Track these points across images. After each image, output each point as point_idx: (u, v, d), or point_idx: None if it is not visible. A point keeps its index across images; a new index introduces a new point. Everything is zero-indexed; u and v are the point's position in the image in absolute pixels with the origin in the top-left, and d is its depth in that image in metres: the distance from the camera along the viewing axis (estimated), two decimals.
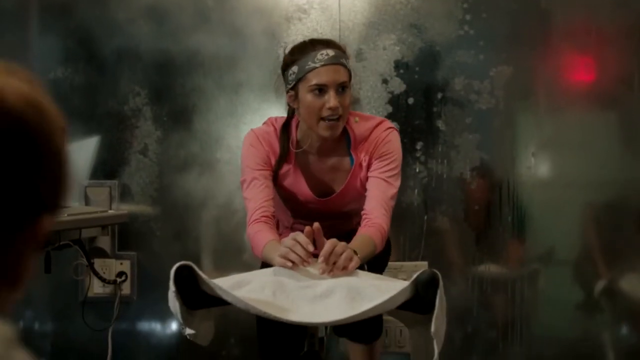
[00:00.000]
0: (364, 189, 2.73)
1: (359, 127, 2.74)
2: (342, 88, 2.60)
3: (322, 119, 2.61)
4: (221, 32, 3.66)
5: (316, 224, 2.40)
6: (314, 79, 2.57)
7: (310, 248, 2.35)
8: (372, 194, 2.67)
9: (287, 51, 2.71)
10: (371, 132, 2.73)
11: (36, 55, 3.72)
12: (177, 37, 3.66)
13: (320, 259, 2.33)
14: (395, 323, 3.51)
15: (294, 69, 2.61)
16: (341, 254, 2.34)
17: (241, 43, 3.66)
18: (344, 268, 2.33)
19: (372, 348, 2.88)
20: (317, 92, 2.58)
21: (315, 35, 3.57)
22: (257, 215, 2.62)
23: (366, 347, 2.87)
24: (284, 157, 2.74)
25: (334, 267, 2.33)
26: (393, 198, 2.70)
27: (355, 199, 2.76)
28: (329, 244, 2.34)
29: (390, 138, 2.73)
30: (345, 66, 2.62)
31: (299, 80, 2.61)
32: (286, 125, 2.75)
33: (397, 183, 2.72)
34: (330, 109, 2.58)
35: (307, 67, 2.58)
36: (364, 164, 2.73)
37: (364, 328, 2.67)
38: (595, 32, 3.62)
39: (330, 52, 2.58)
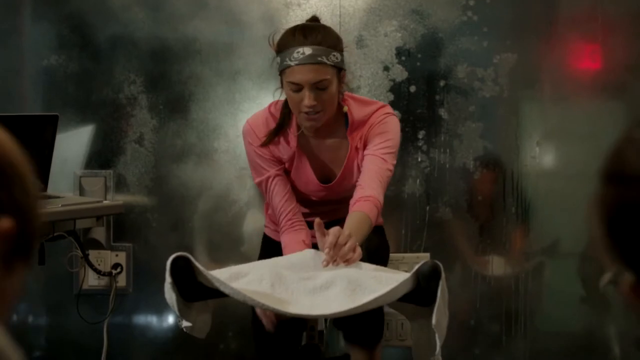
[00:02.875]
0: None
1: (357, 112, 2.74)
2: (320, 86, 2.59)
3: (302, 112, 2.63)
4: (218, 18, 3.63)
5: (317, 219, 2.36)
6: (289, 77, 2.60)
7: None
8: (367, 168, 2.68)
9: (276, 37, 2.70)
10: (370, 117, 2.74)
11: (29, 42, 3.68)
12: (173, 23, 3.63)
13: (325, 250, 2.31)
14: (396, 316, 3.50)
15: (278, 59, 2.64)
16: (345, 244, 2.31)
17: (239, 30, 3.63)
18: (348, 260, 2.31)
19: (373, 353, 2.85)
20: (293, 88, 2.60)
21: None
22: (283, 222, 2.71)
23: (367, 353, 2.83)
24: (282, 126, 2.75)
25: (337, 258, 2.30)
26: (388, 174, 2.70)
27: (355, 181, 2.76)
28: (332, 235, 2.30)
29: (387, 120, 2.74)
30: (324, 63, 2.59)
31: (280, 71, 2.64)
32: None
33: (393, 162, 2.72)
34: (305, 106, 2.60)
35: (284, 63, 2.60)
36: (360, 147, 2.74)
37: (365, 331, 2.73)
38: (601, 18, 3.58)
39: (307, 51, 2.56)
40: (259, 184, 2.78)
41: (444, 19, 3.59)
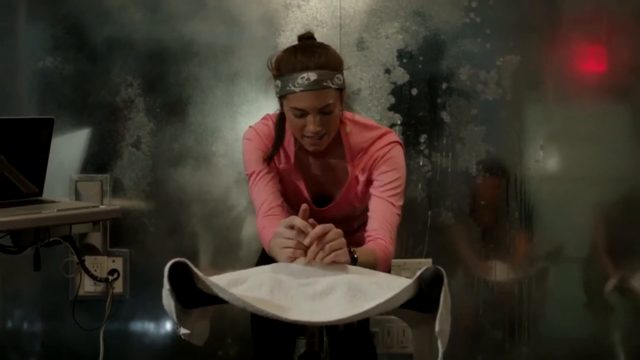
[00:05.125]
0: (359, 201, 2.71)
1: (356, 137, 2.69)
2: (325, 111, 2.54)
3: (305, 136, 2.59)
4: (217, 19, 3.61)
5: (329, 225, 2.31)
6: (293, 102, 2.53)
7: (309, 230, 2.26)
8: (375, 214, 2.63)
9: (273, 60, 2.61)
10: (371, 145, 2.68)
11: (24, 44, 3.66)
12: (171, 24, 3.62)
13: (308, 240, 2.24)
14: (398, 323, 3.50)
15: (278, 83, 2.57)
16: (332, 241, 2.24)
17: (238, 31, 3.61)
18: (332, 252, 2.23)
19: None
20: (297, 114, 2.54)
21: (314, 24, 3.54)
22: (264, 209, 2.63)
23: None
24: (280, 143, 2.70)
25: (320, 252, 2.24)
26: (397, 218, 2.66)
27: (352, 208, 2.75)
28: (320, 227, 2.24)
29: (392, 154, 2.68)
30: (329, 87, 2.52)
31: (281, 96, 2.57)
32: (282, 114, 2.69)
33: (400, 202, 2.67)
34: (310, 132, 2.55)
35: (287, 88, 2.52)
36: (361, 179, 2.69)
37: None
38: (606, 19, 3.58)
39: (312, 76, 2.49)
40: (251, 174, 2.69)
41: (446, 21, 3.58)
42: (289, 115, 2.57)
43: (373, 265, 2.46)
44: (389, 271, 2.80)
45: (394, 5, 3.57)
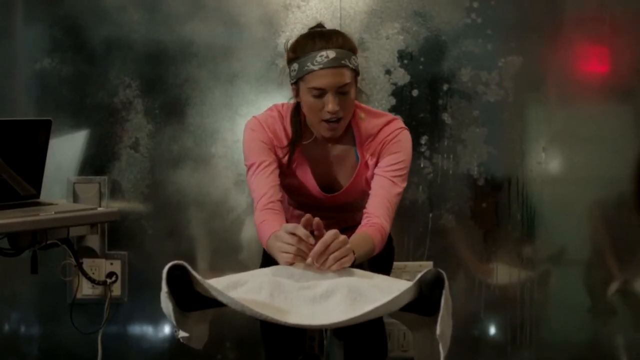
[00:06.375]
0: (369, 187, 2.70)
1: (365, 124, 2.71)
2: (342, 90, 2.56)
3: (323, 120, 2.60)
4: (216, 20, 3.60)
5: (317, 219, 2.32)
6: (312, 82, 2.55)
7: (311, 241, 2.29)
8: (376, 192, 2.64)
9: (289, 44, 2.65)
10: (380, 130, 2.70)
11: (21, 45, 3.65)
12: (169, 25, 3.61)
13: (309, 260, 2.26)
14: (398, 326, 3.48)
15: (295, 66, 2.59)
16: (336, 251, 2.26)
17: (237, 32, 3.60)
18: (336, 262, 2.26)
19: None
20: (316, 94, 2.56)
21: (314, 24, 3.50)
22: (263, 202, 2.60)
23: None
24: (297, 139, 2.70)
25: (325, 262, 2.26)
26: (397, 198, 2.66)
27: (360, 196, 2.74)
28: (322, 241, 2.26)
29: (400, 138, 2.70)
30: (347, 66, 2.56)
31: (299, 78, 2.59)
32: (297, 108, 2.70)
33: (403, 184, 2.68)
34: (329, 112, 2.56)
35: (305, 68, 2.55)
36: (370, 163, 2.71)
37: (368, 350, 2.70)
38: (609, 20, 3.56)
39: (331, 54, 2.53)
40: (251, 166, 2.67)
41: (447, 21, 3.57)
42: (307, 98, 2.58)
43: (371, 252, 2.48)
44: (390, 251, 2.83)
45: (394, 5, 3.57)
